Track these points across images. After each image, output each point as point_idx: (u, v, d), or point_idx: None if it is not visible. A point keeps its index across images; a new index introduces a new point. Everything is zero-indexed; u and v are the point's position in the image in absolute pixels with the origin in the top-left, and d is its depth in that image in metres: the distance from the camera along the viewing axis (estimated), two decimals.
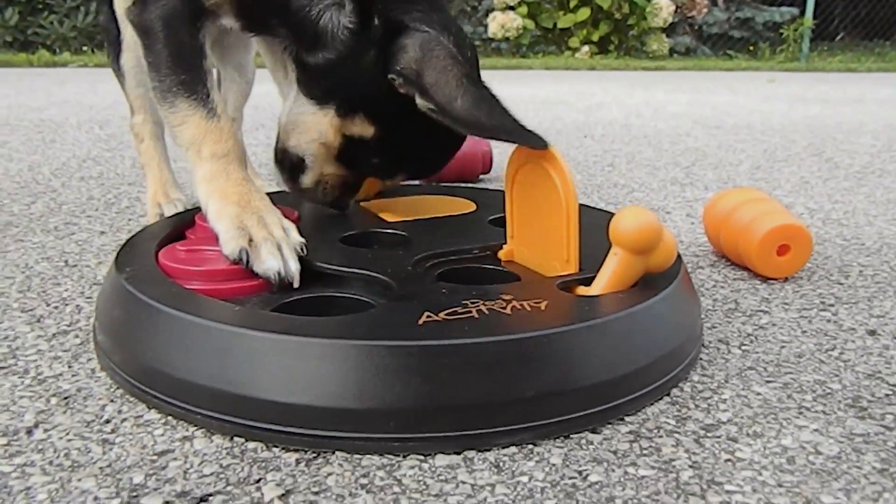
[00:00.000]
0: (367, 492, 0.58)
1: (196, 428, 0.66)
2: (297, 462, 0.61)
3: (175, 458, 0.62)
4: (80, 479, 0.59)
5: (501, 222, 0.94)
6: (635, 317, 0.72)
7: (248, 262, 0.81)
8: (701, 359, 0.81)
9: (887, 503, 0.56)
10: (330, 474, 0.60)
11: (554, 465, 0.61)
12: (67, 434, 0.66)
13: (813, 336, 0.88)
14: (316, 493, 0.57)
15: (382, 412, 0.62)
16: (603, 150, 2.24)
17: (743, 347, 0.84)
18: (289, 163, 1.00)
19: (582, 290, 0.78)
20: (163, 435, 0.66)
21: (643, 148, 2.30)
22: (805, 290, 1.03)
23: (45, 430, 0.66)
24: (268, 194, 0.94)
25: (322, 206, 1.05)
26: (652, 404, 0.71)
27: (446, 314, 0.68)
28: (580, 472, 0.60)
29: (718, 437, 0.65)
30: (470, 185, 1.68)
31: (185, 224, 1.00)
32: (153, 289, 0.75)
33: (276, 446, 0.63)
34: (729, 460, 0.62)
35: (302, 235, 0.86)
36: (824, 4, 8.47)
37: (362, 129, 0.93)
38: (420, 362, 0.62)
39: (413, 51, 0.86)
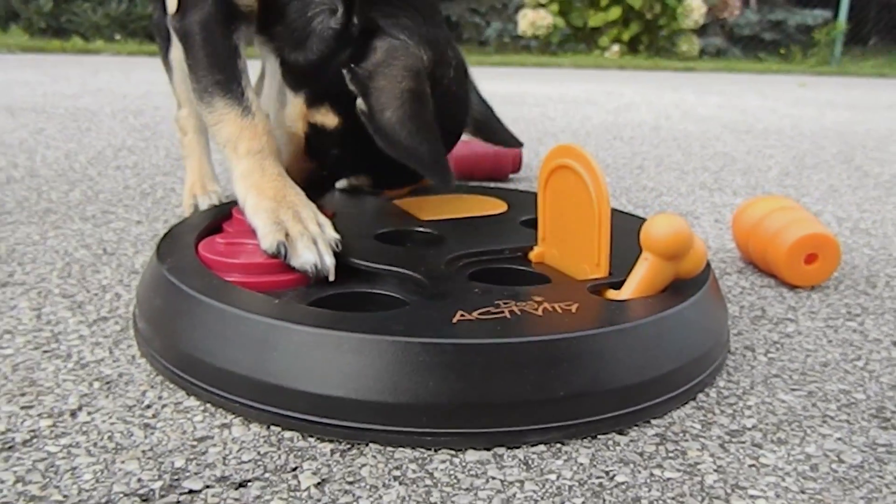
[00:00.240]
0: (400, 483, 0.59)
1: (234, 416, 0.69)
2: (332, 452, 0.63)
3: (214, 444, 0.64)
4: (123, 462, 0.61)
5: (532, 224, 0.96)
6: (664, 322, 0.73)
7: (285, 255, 0.83)
8: (727, 365, 0.82)
9: None
10: (364, 465, 0.62)
11: (582, 464, 0.63)
12: (110, 417, 0.68)
13: (839, 346, 0.88)
14: (350, 483, 0.59)
15: (416, 407, 0.64)
16: (632, 153, 2.24)
17: (769, 355, 0.85)
18: None
19: (612, 294, 0.79)
20: (202, 421, 0.68)
21: (672, 151, 2.30)
22: (832, 299, 1.04)
23: (89, 413, 0.69)
24: None
25: None
26: (678, 408, 0.72)
27: (479, 314, 0.70)
28: (607, 472, 0.62)
29: (743, 442, 0.67)
30: (500, 184, 1.69)
31: (223, 217, 1.02)
32: (194, 280, 0.78)
33: (312, 436, 0.66)
34: (753, 466, 0.63)
35: (337, 231, 0.88)
36: (858, 8, 8.35)
37: (326, 118, 0.96)
38: (454, 360, 0.64)
39: (379, 54, 0.90)
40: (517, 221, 1.04)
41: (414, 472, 0.61)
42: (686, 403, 0.73)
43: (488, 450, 0.64)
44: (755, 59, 8.14)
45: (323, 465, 0.62)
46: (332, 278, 0.83)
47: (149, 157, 1.93)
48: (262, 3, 0.97)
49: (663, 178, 1.88)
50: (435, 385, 0.64)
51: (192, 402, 0.71)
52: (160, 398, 0.72)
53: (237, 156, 0.95)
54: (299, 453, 0.63)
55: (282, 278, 0.83)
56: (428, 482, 0.60)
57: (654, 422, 0.70)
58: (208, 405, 0.70)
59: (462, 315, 0.70)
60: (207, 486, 0.58)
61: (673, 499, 0.58)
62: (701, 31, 7.81)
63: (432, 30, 0.95)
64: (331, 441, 0.65)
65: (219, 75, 0.96)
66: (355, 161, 1.00)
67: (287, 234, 0.85)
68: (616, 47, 7.28)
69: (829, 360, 0.84)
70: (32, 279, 1.02)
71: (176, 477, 0.60)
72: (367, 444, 0.65)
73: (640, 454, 0.65)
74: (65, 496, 0.57)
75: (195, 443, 0.64)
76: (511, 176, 1.79)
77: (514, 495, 0.58)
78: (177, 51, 1.32)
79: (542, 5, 7.46)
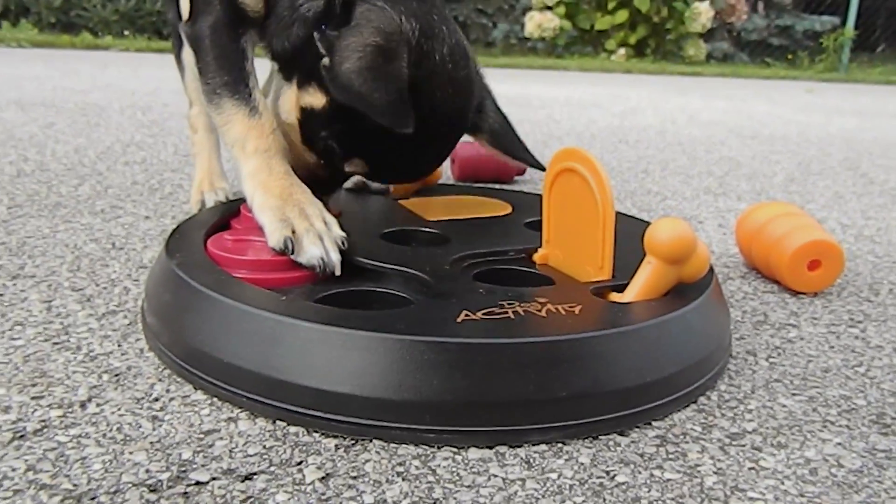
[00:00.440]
0: (403, 479, 0.60)
1: (240, 410, 0.70)
2: (337, 448, 0.64)
3: (221, 438, 0.65)
4: (132, 452, 0.62)
5: (536, 226, 0.96)
6: (666, 325, 0.74)
7: (292, 251, 0.84)
8: (729, 369, 0.83)
9: None
10: (367, 461, 0.63)
11: (582, 464, 0.64)
12: (119, 409, 0.69)
13: (840, 352, 0.89)
14: (354, 478, 0.60)
15: (420, 404, 0.64)
16: (637, 156, 2.25)
17: (770, 360, 0.86)
18: None
19: (615, 297, 0.80)
20: (209, 415, 0.69)
21: (677, 155, 2.30)
22: (834, 305, 1.04)
23: (98, 405, 0.70)
24: None
25: None
26: (679, 411, 0.73)
27: (483, 314, 0.71)
28: (608, 472, 0.63)
29: (743, 445, 0.67)
30: (505, 186, 1.70)
31: (231, 214, 1.03)
32: (203, 276, 0.79)
33: (317, 431, 0.66)
34: (753, 469, 0.64)
35: (343, 230, 0.89)
36: (866, 15, 8.35)
37: (314, 98, 0.95)
38: (458, 359, 0.65)
39: (353, 18, 0.88)
40: (521, 223, 1.05)
41: (417, 468, 0.62)
42: (687, 406, 0.74)
43: (490, 448, 0.65)
44: (762, 65, 8.15)
45: (327, 459, 0.63)
46: (338, 272, 0.84)
47: (157, 153, 1.94)
48: (266, 8, 0.98)
49: (668, 182, 1.89)
50: (439, 383, 0.65)
51: (199, 395, 0.72)
52: (168, 391, 0.73)
53: (245, 154, 0.96)
54: (304, 448, 0.64)
55: (288, 275, 0.84)
56: (431, 479, 0.61)
57: (654, 423, 0.71)
58: (215, 399, 0.71)
59: (466, 315, 0.71)
60: (214, 478, 0.59)
61: (673, 499, 0.59)
62: (708, 35, 7.82)
63: (427, 8, 0.93)
64: (335, 436, 0.66)
65: (227, 77, 0.98)
66: (345, 142, 0.96)
67: (293, 231, 0.86)
68: (622, 50, 7.29)
69: (830, 365, 0.85)
70: (43, 272, 1.03)
71: (183, 468, 0.60)
72: (370, 441, 0.65)
73: (641, 455, 0.65)
74: (75, 485, 0.58)
75: (202, 435, 0.65)
76: (516, 178, 1.80)
77: (516, 493, 0.59)
78: (189, 51, 1.34)
79: (549, 7, 7.47)
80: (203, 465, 0.61)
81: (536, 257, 0.91)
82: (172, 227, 1.25)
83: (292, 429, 0.67)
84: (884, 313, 1.02)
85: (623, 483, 0.61)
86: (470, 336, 0.67)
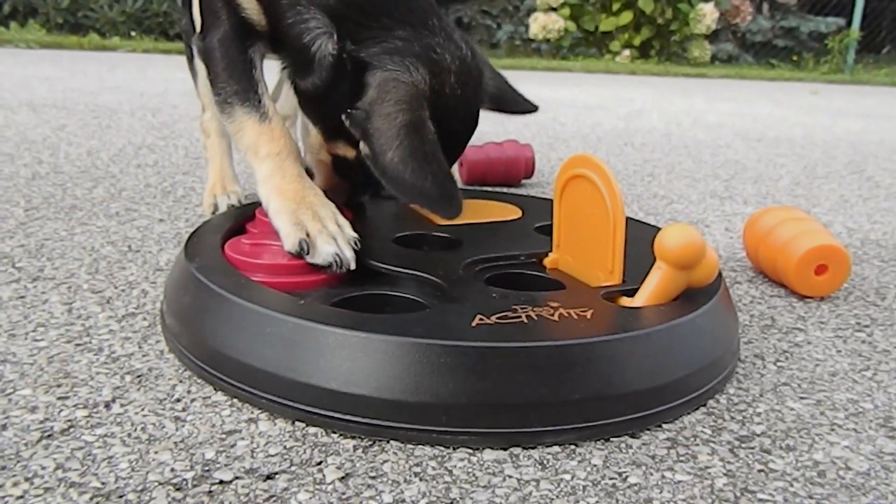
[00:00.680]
0: (421, 480, 0.62)
1: (260, 411, 0.71)
2: (355, 448, 0.66)
3: (242, 438, 0.67)
4: (156, 452, 0.64)
5: (546, 230, 0.98)
6: (676, 329, 0.75)
7: (307, 252, 0.86)
8: (737, 372, 0.84)
9: None
10: (385, 461, 0.64)
11: (595, 465, 0.65)
12: (143, 410, 0.71)
13: (847, 356, 0.90)
14: (373, 478, 0.62)
15: (436, 406, 0.66)
16: (643, 160, 2.26)
17: (778, 363, 0.87)
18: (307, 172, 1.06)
19: (625, 301, 0.81)
20: (230, 416, 0.71)
21: (683, 159, 2.32)
22: (841, 310, 1.06)
23: (122, 405, 0.72)
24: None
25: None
26: (689, 414, 0.75)
27: (497, 318, 0.73)
28: (620, 474, 0.64)
29: (752, 448, 0.69)
30: (514, 189, 1.72)
31: (247, 218, 1.05)
32: (222, 279, 0.80)
33: (335, 432, 0.68)
34: (762, 471, 0.65)
35: (357, 235, 0.91)
36: (872, 16, 8.35)
37: (345, 150, 1.01)
38: (473, 362, 0.67)
39: (371, 91, 0.92)
40: (532, 228, 1.07)
41: (433, 469, 0.64)
42: (697, 409, 0.76)
43: (505, 449, 0.67)
44: (767, 66, 8.15)
45: (346, 460, 0.64)
46: (352, 267, 0.86)
47: (168, 155, 1.96)
48: (269, 24, 1.01)
49: (674, 185, 1.91)
50: (455, 386, 0.66)
51: (219, 396, 0.74)
52: (189, 392, 0.75)
53: (258, 159, 0.99)
54: (324, 448, 0.66)
55: (305, 279, 0.85)
56: (447, 479, 0.62)
57: (665, 426, 0.72)
58: (235, 400, 0.73)
59: (481, 319, 0.72)
60: (237, 478, 0.61)
61: (684, 500, 0.61)
62: (712, 36, 7.82)
63: (427, 40, 0.96)
64: (353, 437, 0.68)
65: (236, 86, 1.02)
66: (374, 179, 1.02)
67: (307, 233, 0.88)
68: (627, 52, 7.30)
69: (837, 369, 0.86)
70: (62, 274, 1.05)
71: (207, 468, 0.62)
72: (388, 441, 0.67)
73: (652, 457, 0.67)
74: (103, 483, 0.60)
75: (224, 436, 0.67)
76: (523, 181, 1.82)
77: (531, 494, 0.61)
78: None
79: (554, 9, 7.48)
80: (226, 465, 0.63)
81: (547, 262, 0.93)
82: (187, 230, 1.28)
83: (311, 429, 0.69)
84: (890, 317, 1.04)
85: (635, 484, 0.63)
86: (485, 340, 0.68)
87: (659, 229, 0.82)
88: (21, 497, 0.58)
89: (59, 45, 6.14)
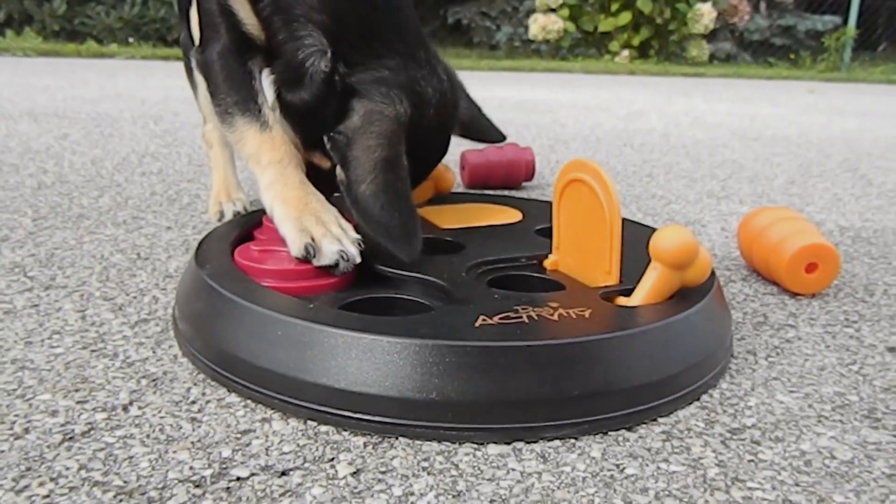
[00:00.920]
0: (429, 474, 0.65)
1: (273, 411, 0.74)
2: (365, 445, 0.69)
3: (257, 437, 0.70)
4: (175, 451, 0.67)
5: (546, 233, 1.01)
6: (671, 327, 0.78)
7: (314, 256, 0.89)
8: (730, 368, 0.87)
9: (893, 503, 0.63)
10: (395, 457, 0.67)
11: (594, 458, 0.68)
12: (160, 412, 0.74)
13: (835, 351, 0.93)
14: (383, 473, 0.65)
15: (442, 404, 0.69)
16: (642, 160, 2.29)
17: (769, 359, 0.90)
18: None
19: (622, 301, 0.84)
20: (244, 416, 0.74)
21: (681, 159, 2.35)
22: (831, 306, 1.09)
23: (140, 408, 0.75)
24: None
25: None
26: (683, 408, 0.78)
27: (500, 318, 0.76)
28: (617, 466, 0.67)
29: (743, 439, 0.72)
30: (515, 192, 1.75)
31: (254, 225, 1.08)
32: (233, 284, 0.83)
33: (346, 430, 0.71)
34: (752, 461, 0.68)
35: (360, 234, 0.95)
36: (868, 14, 8.39)
37: (320, 160, 1.05)
38: (477, 361, 0.70)
39: (355, 119, 0.97)
40: (532, 230, 1.10)
41: (441, 463, 0.67)
42: (691, 403, 0.79)
43: (508, 444, 0.70)
44: (765, 65, 8.18)
45: (357, 456, 0.68)
46: (357, 261, 0.90)
47: (172, 163, 2.00)
48: (267, 38, 1.04)
49: (672, 186, 1.94)
50: (460, 384, 0.69)
51: (233, 398, 0.77)
52: (204, 394, 0.78)
53: (261, 167, 1.02)
54: (335, 446, 0.69)
55: (313, 284, 0.88)
56: (454, 473, 0.65)
57: (660, 420, 0.75)
58: (249, 401, 0.76)
59: (484, 319, 0.75)
60: (253, 474, 0.64)
61: (678, 490, 0.64)
62: (711, 36, 7.86)
63: (413, 72, 1.01)
64: (364, 435, 0.71)
65: (236, 97, 1.05)
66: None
67: (312, 238, 0.91)
68: (626, 52, 7.33)
69: (825, 364, 0.90)
70: (74, 282, 1.08)
71: (224, 466, 0.65)
72: (396, 438, 0.70)
73: (648, 449, 0.70)
74: (125, 482, 0.63)
75: (239, 435, 0.70)
76: (524, 184, 1.85)
77: (533, 485, 0.64)
78: None
79: (553, 10, 7.52)
80: (242, 462, 0.66)
81: (547, 263, 0.96)
82: (194, 238, 1.31)
83: (323, 428, 0.72)
84: (878, 313, 1.07)
85: (632, 475, 0.66)
86: (488, 339, 0.71)
87: (654, 231, 0.85)
88: (47, 496, 0.61)
89: (57, 53, 6.18)
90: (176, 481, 0.63)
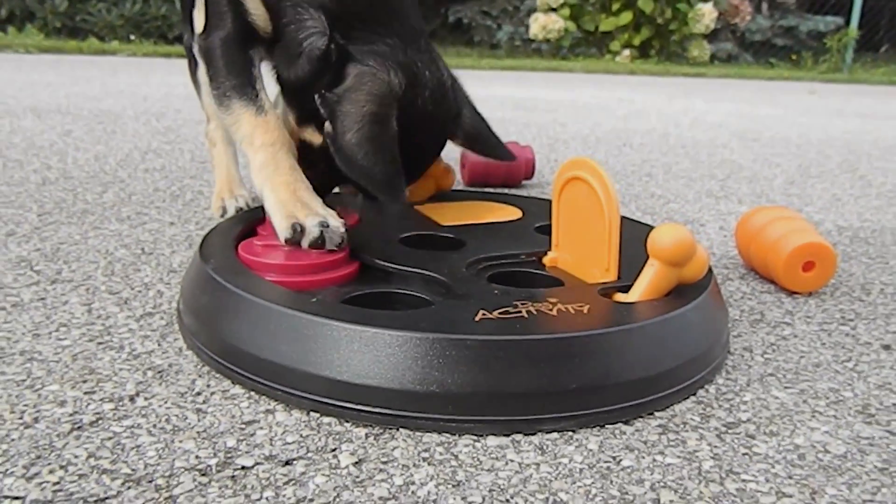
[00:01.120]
0: (429, 464, 0.67)
1: (277, 402, 0.76)
2: (367, 436, 0.71)
3: (261, 427, 0.71)
4: (181, 441, 0.69)
5: (546, 230, 1.03)
6: (668, 323, 0.80)
7: (301, 234, 0.93)
8: (726, 364, 0.89)
9: (884, 496, 0.64)
10: (396, 448, 0.69)
11: (591, 450, 0.70)
12: (166, 402, 0.75)
13: (831, 348, 0.95)
14: (384, 463, 0.67)
15: (442, 396, 0.71)
16: (641, 160, 2.31)
17: (765, 355, 0.92)
18: None
19: (620, 297, 0.86)
20: (248, 407, 0.75)
21: (680, 159, 2.36)
22: (827, 304, 1.10)
23: (146, 399, 0.76)
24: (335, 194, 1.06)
25: None
26: (680, 402, 0.79)
27: (499, 313, 0.77)
28: (614, 458, 0.69)
29: (738, 434, 0.73)
30: (515, 190, 1.76)
31: (257, 220, 1.10)
32: (238, 279, 0.85)
33: (348, 421, 0.73)
34: (746, 454, 0.70)
35: (364, 235, 0.97)
36: (870, 15, 8.39)
37: (312, 136, 1.07)
38: (477, 354, 0.71)
39: (349, 80, 1.00)
40: (532, 228, 1.11)
41: (441, 454, 0.68)
42: (687, 398, 0.80)
43: (507, 436, 0.71)
44: (766, 65, 8.19)
45: (359, 446, 0.69)
46: (341, 231, 0.94)
47: (175, 159, 2.01)
48: (273, 26, 1.07)
49: (671, 185, 1.95)
50: (460, 377, 0.71)
51: (237, 389, 0.79)
52: (208, 386, 0.79)
53: (253, 149, 1.05)
54: (337, 436, 0.70)
55: (316, 278, 0.90)
56: (454, 463, 0.67)
57: (657, 414, 0.77)
58: (253, 393, 0.78)
59: (484, 314, 0.77)
60: (258, 464, 0.66)
61: (673, 481, 0.65)
62: (712, 36, 7.87)
63: (412, 55, 1.04)
64: (365, 426, 0.72)
65: (235, 81, 1.08)
66: (339, 175, 1.06)
67: (297, 219, 0.95)
68: (627, 52, 7.34)
69: (821, 361, 0.91)
70: (79, 277, 1.10)
71: (229, 455, 0.67)
72: (397, 429, 0.72)
73: (644, 442, 0.71)
74: (133, 469, 0.64)
75: (244, 426, 0.72)
76: (524, 182, 1.86)
77: (531, 476, 0.65)
78: (204, 69, 1.41)
79: (554, 9, 7.52)
80: (247, 452, 0.67)
81: (546, 260, 0.97)
82: (197, 233, 1.33)
83: (325, 419, 0.73)
84: (873, 312, 1.08)
85: (628, 467, 0.67)
86: (487, 333, 0.73)
87: (652, 228, 0.87)
88: (58, 483, 0.62)
89: (59, 50, 6.19)
90: (182, 469, 0.64)
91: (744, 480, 0.66)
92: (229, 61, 1.08)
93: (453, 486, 0.64)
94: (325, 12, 1.02)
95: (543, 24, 7.42)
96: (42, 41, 6.59)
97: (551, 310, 0.79)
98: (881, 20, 9.68)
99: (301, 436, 0.70)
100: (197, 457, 0.66)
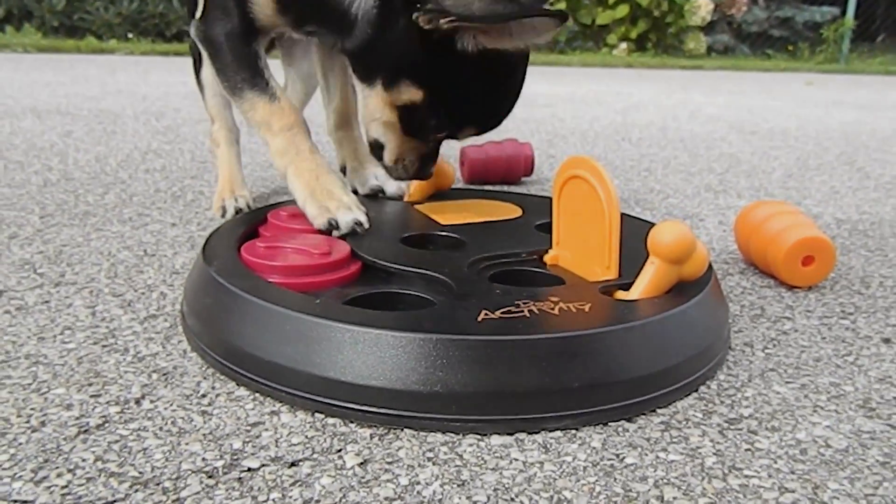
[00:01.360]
0: (434, 464, 0.67)
1: (282, 404, 0.76)
2: (372, 436, 0.71)
3: (266, 429, 0.72)
4: (187, 443, 0.69)
5: (546, 228, 1.03)
6: (669, 320, 0.80)
7: (337, 227, 1.02)
8: (727, 360, 0.89)
9: (886, 490, 0.65)
10: (400, 448, 0.69)
11: (594, 447, 0.70)
12: (171, 405, 0.76)
13: (831, 342, 0.95)
14: (390, 463, 0.67)
15: (446, 396, 0.71)
16: (640, 155, 2.31)
17: (766, 350, 0.92)
18: (374, 148, 1.13)
19: (621, 295, 0.86)
20: (253, 409, 0.76)
21: (679, 153, 2.37)
22: (827, 298, 1.11)
23: (152, 402, 0.77)
24: None
25: (408, 178, 1.16)
26: (682, 399, 0.80)
27: (502, 313, 0.78)
28: (617, 455, 0.69)
29: (740, 429, 0.74)
30: (514, 187, 1.77)
31: (259, 222, 1.10)
32: (241, 281, 0.85)
33: (353, 422, 0.73)
34: (749, 450, 0.70)
35: (365, 236, 1.00)
36: (866, 5, 8.38)
37: (410, 94, 1.01)
38: (480, 354, 0.72)
39: (430, 4, 0.92)
40: (532, 226, 1.11)
41: (445, 454, 0.69)
42: (689, 394, 0.81)
43: (511, 434, 0.72)
44: (763, 56, 8.18)
45: (364, 447, 0.69)
46: (367, 226, 1.03)
47: (175, 160, 2.01)
48: (293, 12, 1.07)
49: (670, 180, 1.95)
50: (463, 377, 0.71)
51: (242, 391, 0.79)
52: (213, 388, 0.80)
53: (272, 133, 1.10)
54: (342, 437, 0.71)
55: (319, 280, 0.90)
56: (458, 463, 0.67)
57: (659, 410, 0.77)
58: (257, 394, 0.78)
59: (486, 314, 0.77)
60: (264, 465, 0.66)
61: (676, 478, 0.66)
62: (708, 28, 7.86)
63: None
64: (370, 426, 0.73)
65: (245, 73, 1.12)
66: (456, 118, 1.04)
67: (330, 213, 1.02)
68: (624, 45, 7.33)
69: (821, 355, 0.92)
70: (83, 279, 1.10)
71: (235, 457, 0.67)
72: (402, 430, 0.72)
73: (647, 439, 0.72)
74: (140, 472, 0.65)
75: (249, 427, 0.72)
76: (524, 179, 1.87)
77: (535, 475, 0.66)
78: (208, 70, 1.42)
79: (551, 4, 7.51)
80: (253, 454, 0.68)
81: (547, 258, 0.98)
82: (199, 234, 1.33)
83: (330, 420, 0.74)
84: (873, 305, 1.09)
85: (631, 464, 0.68)
86: (490, 333, 0.73)
87: (652, 226, 0.87)
88: (66, 486, 0.63)
89: (57, 49, 6.17)
90: (189, 472, 0.65)
91: (746, 476, 0.66)
92: (237, 56, 1.11)
93: (458, 485, 0.64)
94: None
95: None
96: (40, 40, 6.57)
97: (553, 309, 0.79)
98: (877, 10, 9.66)
99: (306, 437, 0.71)
100: (203, 459, 0.67)
